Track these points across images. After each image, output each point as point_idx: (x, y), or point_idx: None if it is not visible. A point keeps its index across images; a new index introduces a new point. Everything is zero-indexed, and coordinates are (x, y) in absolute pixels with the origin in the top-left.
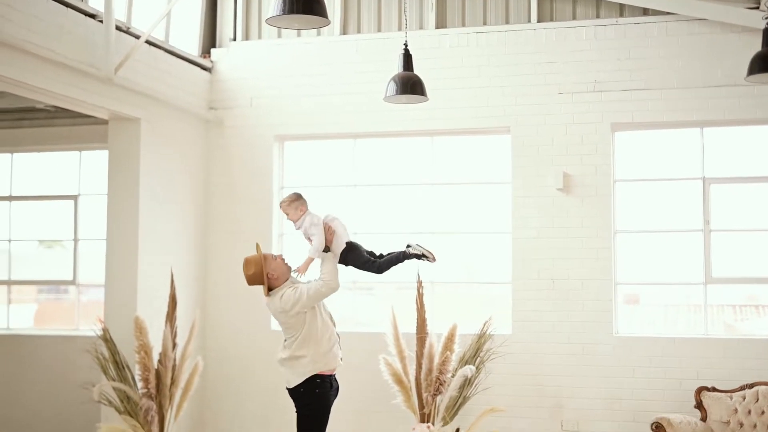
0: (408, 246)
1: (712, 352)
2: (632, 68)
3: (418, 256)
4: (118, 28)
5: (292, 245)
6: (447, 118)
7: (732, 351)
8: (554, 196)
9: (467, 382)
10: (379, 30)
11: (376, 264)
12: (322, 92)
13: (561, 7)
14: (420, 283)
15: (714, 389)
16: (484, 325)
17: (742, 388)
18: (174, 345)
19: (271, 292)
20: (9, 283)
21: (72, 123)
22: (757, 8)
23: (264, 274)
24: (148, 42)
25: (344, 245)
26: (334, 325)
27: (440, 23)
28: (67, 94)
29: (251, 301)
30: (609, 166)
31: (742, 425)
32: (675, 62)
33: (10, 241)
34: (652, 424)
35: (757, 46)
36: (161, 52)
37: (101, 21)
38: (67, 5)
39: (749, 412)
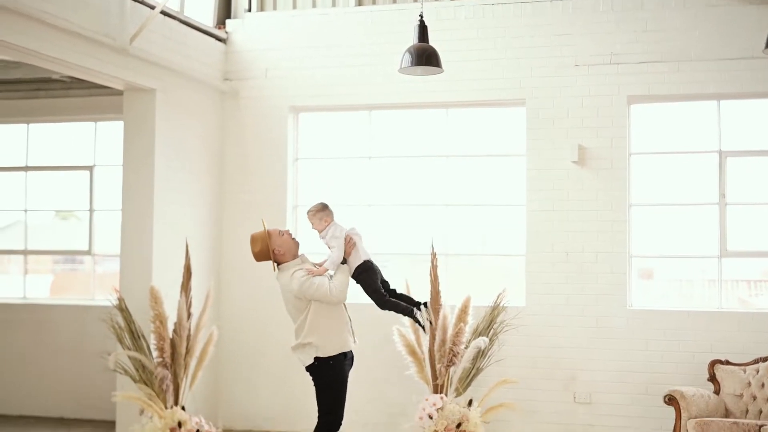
0: (422, 307)
1: (726, 326)
2: (649, 40)
3: (419, 323)
4: None
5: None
6: (462, 90)
7: (746, 324)
8: (569, 169)
9: (480, 354)
10: (394, 1)
11: (384, 299)
12: (337, 64)
13: None
14: (434, 254)
15: (728, 362)
16: (498, 297)
17: (755, 362)
18: (189, 315)
19: (280, 266)
20: (25, 252)
21: (87, 94)
22: None
23: (270, 250)
24: (163, 12)
25: (361, 262)
26: (345, 308)
27: None
28: (83, 64)
29: (266, 271)
30: (625, 138)
31: (755, 398)
32: (692, 34)
33: (26, 211)
34: (665, 397)
35: None
36: (176, 22)
37: None
38: None
39: (762, 385)
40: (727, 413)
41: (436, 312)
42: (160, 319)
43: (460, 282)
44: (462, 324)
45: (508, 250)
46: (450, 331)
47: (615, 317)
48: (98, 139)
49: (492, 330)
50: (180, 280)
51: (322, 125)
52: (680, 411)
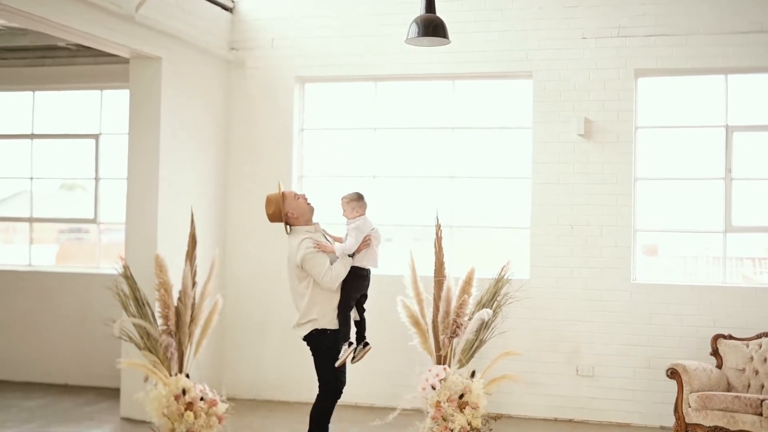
0: (357, 346)
1: (730, 301)
2: (657, 13)
3: (338, 352)
4: None
5: (312, 187)
6: (469, 61)
7: (749, 300)
8: (575, 142)
9: (484, 326)
10: None
11: (346, 311)
12: (343, 34)
13: None
14: (439, 226)
15: (730, 337)
16: (502, 269)
17: (758, 336)
18: (194, 283)
19: (292, 229)
20: (31, 220)
21: (93, 62)
22: None
23: (283, 213)
24: None
25: (363, 266)
26: None
27: None
28: (89, 31)
29: (270, 241)
30: (631, 112)
31: (757, 373)
32: (700, 8)
33: (31, 179)
34: (667, 371)
35: None
36: None
37: None
38: None
39: (765, 359)
40: (729, 387)
41: (440, 284)
42: (164, 287)
43: (465, 254)
44: (466, 296)
45: (513, 222)
46: (454, 303)
47: (619, 291)
48: (104, 108)
49: (496, 302)
50: (185, 248)
51: (328, 96)
52: (682, 385)
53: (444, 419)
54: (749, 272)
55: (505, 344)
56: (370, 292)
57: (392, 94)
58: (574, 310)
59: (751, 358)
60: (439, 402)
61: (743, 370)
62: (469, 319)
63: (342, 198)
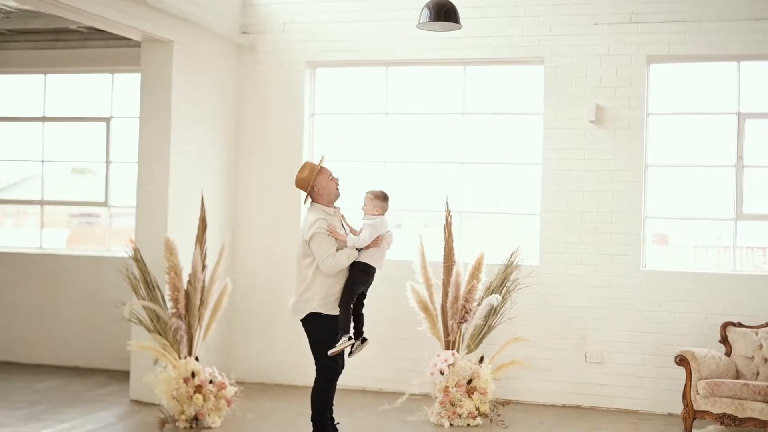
0: (356, 341)
1: (739, 288)
2: None
3: (334, 346)
4: None
5: None
6: (480, 47)
7: (759, 287)
8: (586, 129)
9: (493, 311)
10: None
11: (347, 305)
12: (355, 18)
13: None
14: (449, 212)
15: (740, 324)
16: (511, 255)
17: (767, 324)
18: (203, 267)
19: (312, 204)
20: (42, 203)
21: (105, 45)
22: None
23: (311, 184)
24: None
25: (369, 264)
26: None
27: None
28: (101, 14)
29: (280, 225)
30: (643, 99)
31: (766, 360)
32: None
33: (42, 161)
34: (676, 358)
35: None
36: None
37: None
38: None
39: None
40: (737, 375)
41: (449, 269)
42: (174, 270)
43: (474, 240)
44: (475, 281)
45: (523, 209)
46: (463, 288)
47: (628, 278)
48: (115, 91)
49: (505, 288)
50: (195, 232)
51: (339, 80)
52: (691, 371)
53: (452, 404)
54: (759, 261)
55: (514, 330)
56: (378, 277)
57: (403, 79)
58: (583, 297)
59: (760, 346)
60: (447, 387)
61: (752, 357)
62: (478, 304)
63: (368, 192)
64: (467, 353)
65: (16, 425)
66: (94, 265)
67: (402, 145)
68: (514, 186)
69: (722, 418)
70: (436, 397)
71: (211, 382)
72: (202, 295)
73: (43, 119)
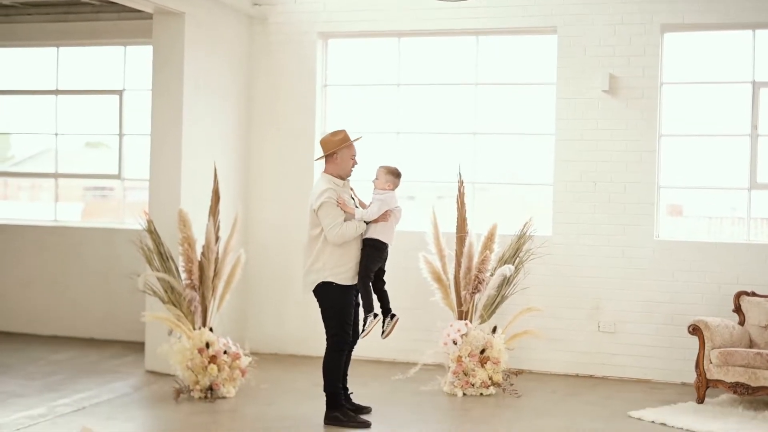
0: (385, 318)
1: (753, 258)
2: None
3: (364, 326)
4: None
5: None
6: (493, 17)
7: None
8: (599, 98)
9: (506, 282)
10: None
11: (367, 281)
12: None
13: None
14: (461, 182)
15: (753, 294)
16: (524, 225)
17: None
18: (217, 238)
19: (324, 171)
20: (56, 176)
21: (117, 17)
22: None
23: (333, 150)
24: None
25: (379, 239)
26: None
27: None
28: None
29: (292, 196)
30: (656, 68)
31: None
32: None
33: (56, 135)
34: (689, 327)
35: None
36: None
37: None
38: None
39: None
40: (751, 344)
41: (462, 240)
42: (188, 241)
43: (487, 210)
44: (488, 252)
45: (536, 179)
46: (476, 259)
47: (641, 248)
48: (128, 63)
49: (518, 258)
50: (208, 204)
51: (351, 51)
52: (704, 341)
53: (465, 374)
54: None
55: (527, 300)
56: (391, 248)
57: (416, 49)
58: (596, 267)
59: None
60: (460, 357)
61: (765, 326)
62: (491, 275)
63: (381, 166)
64: (480, 323)
65: (33, 396)
66: (109, 238)
67: (414, 116)
68: (526, 156)
69: (735, 387)
70: (449, 367)
71: (225, 352)
72: (215, 266)
73: (57, 92)
